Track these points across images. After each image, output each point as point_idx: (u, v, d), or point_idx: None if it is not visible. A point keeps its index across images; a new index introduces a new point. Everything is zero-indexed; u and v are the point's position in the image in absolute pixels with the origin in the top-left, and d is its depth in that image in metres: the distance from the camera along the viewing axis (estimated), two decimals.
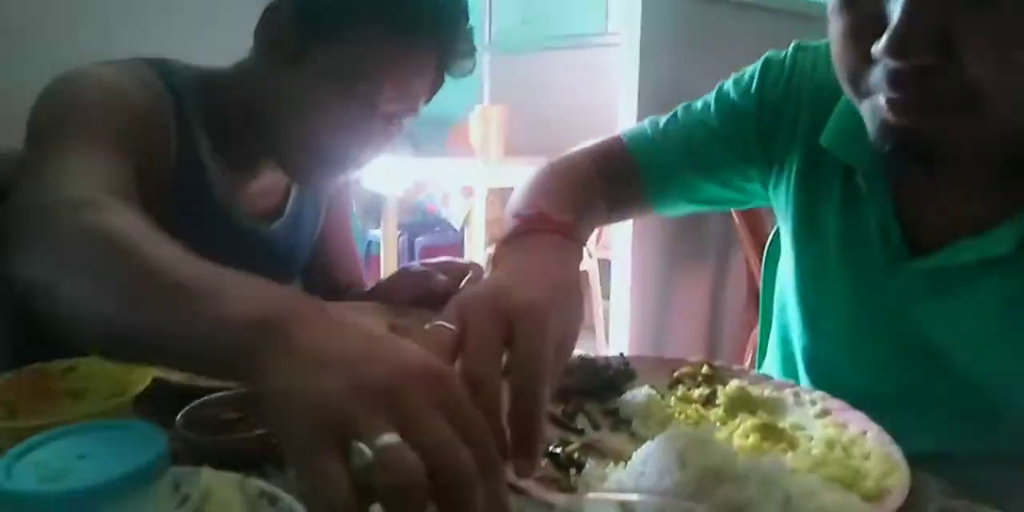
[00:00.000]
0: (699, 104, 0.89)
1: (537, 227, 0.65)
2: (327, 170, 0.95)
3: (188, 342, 0.44)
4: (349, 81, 0.88)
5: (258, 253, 1.01)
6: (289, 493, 0.52)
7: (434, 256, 1.13)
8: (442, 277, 1.00)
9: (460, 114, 3.56)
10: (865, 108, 0.62)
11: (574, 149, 0.93)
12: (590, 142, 0.95)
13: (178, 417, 0.63)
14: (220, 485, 0.51)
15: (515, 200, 0.80)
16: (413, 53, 0.90)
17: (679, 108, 0.90)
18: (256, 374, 0.40)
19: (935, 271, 0.69)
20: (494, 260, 0.65)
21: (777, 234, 1.05)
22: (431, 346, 0.46)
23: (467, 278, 1.01)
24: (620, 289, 2.28)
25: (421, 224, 3.61)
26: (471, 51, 0.96)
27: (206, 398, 0.67)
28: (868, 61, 0.58)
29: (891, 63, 0.55)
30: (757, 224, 1.81)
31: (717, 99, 0.87)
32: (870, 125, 0.61)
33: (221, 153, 0.95)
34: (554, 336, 0.48)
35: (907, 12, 0.53)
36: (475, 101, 3.80)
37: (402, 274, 1.04)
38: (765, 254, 1.07)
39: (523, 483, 0.54)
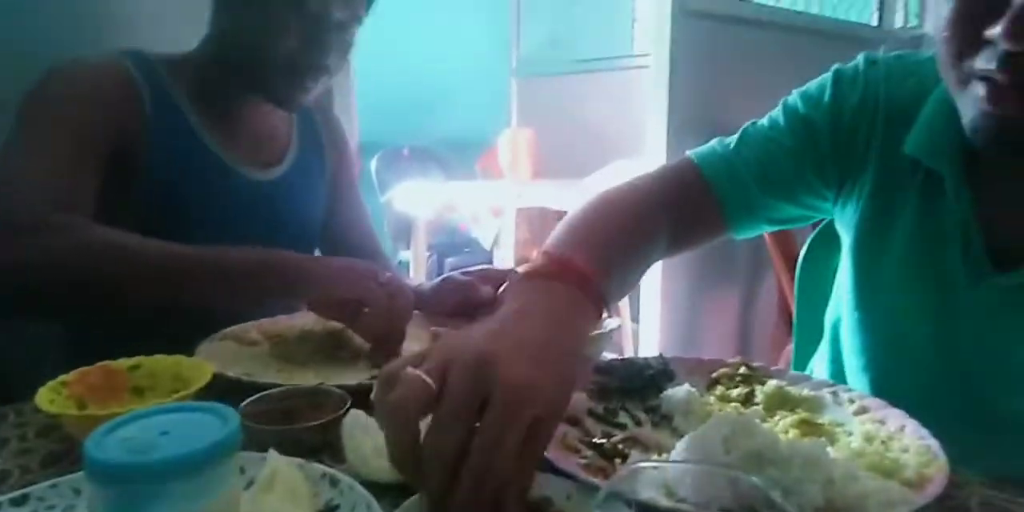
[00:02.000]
0: (765, 122, 0.87)
1: (559, 273, 0.61)
2: (301, 84, 1.04)
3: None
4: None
5: (261, 201, 1.10)
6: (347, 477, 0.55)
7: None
8: (487, 289, 1.02)
9: (489, 138, 3.62)
10: (964, 99, 0.62)
11: (638, 176, 0.89)
12: (655, 168, 0.91)
13: (239, 409, 0.67)
14: (284, 467, 0.54)
15: (556, 230, 0.77)
16: None
17: (746, 126, 0.88)
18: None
19: (1019, 287, 0.68)
20: (505, 293, 0.64)
21: (810, 251, 1.06)
22: (407, 394, 0.46)
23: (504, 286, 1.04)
24: (649, 312, 2.29)
25: (450, 244, 3.65)
26: None
27: (264, 393, 0.71)
28: (977, 45, 0.59)
29: (1006, 46, 0.55)
30: (787, 242, 1.82)
31: (786, 114, 0.84)
32: (967, 116, 0.62)
33: (206, 108, 1.06)
34: (529, 418, 0.45)
35: None
36: (503, 125, 3.87)
37: (446, 282, 1.07)
38: (799, 269, 1.07)
39: (570, 469, 0.56)
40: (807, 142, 0.82)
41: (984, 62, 0.59)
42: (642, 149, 2.63)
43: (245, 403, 0.68)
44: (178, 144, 1.03)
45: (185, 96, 1.05)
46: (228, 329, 0.95)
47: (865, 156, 0.80)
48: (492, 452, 0.44)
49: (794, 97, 0.85)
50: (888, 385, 0.79)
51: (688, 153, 0.90)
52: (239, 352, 0.90)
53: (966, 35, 0.60)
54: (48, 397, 0.66)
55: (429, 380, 0.46)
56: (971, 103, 0.61)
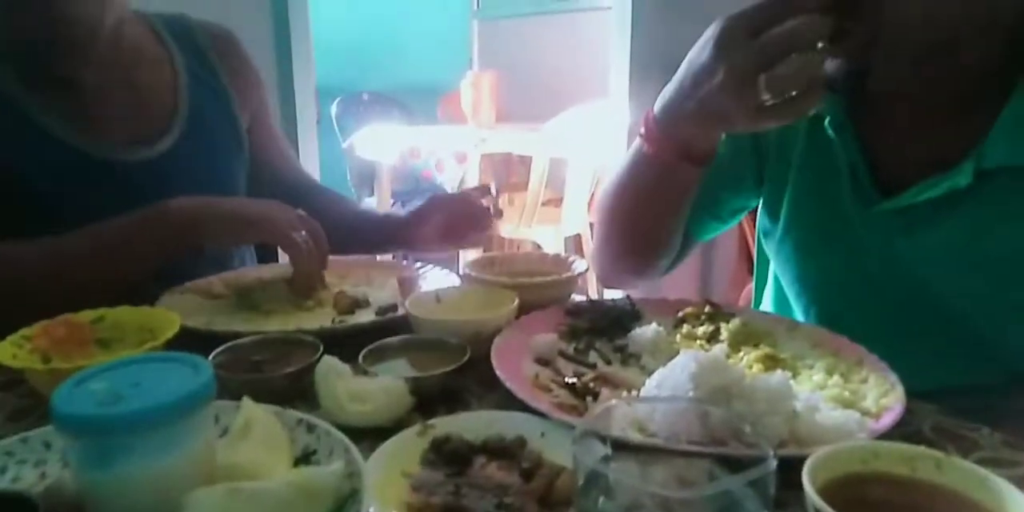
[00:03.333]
0: None
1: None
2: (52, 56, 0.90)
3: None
4: None
5: (147, 184, 0.94)
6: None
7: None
8: (481, 199, 1.01)
9: (450, 82, 3.54)
10: None
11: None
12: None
13: (209, 358, 0.66)
14: (259, 414, 0.54)
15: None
16: None
17: None
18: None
19: (905, 210, 0.73)
20: None
21: None
22: None
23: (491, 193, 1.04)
24: None
25: (414, 191, 3.61)
26: None
27: (234, 342, 0.70)
28: None
29: None
30: None
31: None
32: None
33: (36, 92, 0.90)
34: None
35: None
36: (464, 68, 3.78)
37: (435, 198, 1.04)
38: (759, 211, 1.09)
39: (543, 408, 0.57)
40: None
41: None
42: (606, 92, 2.60)
43: (215, 353, 0.67)
44: (12, 135, 0.89)
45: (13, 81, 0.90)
46: (189, 283, 0.93)
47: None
48: None
49: None
50: (828, 316, 0.83)
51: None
52: (202, 304, 0.89)
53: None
54: (10, 352, 0.65)
55: None
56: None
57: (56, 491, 0.45)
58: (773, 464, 0.37)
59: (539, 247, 2.85)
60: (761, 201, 0.91)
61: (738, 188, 0.90)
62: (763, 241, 0.93)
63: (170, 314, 0.73)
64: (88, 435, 0.45)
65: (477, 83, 3.11)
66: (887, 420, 0.55)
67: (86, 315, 0.72)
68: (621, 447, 0.43)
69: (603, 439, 0.42)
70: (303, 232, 0.86)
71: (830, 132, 0.76)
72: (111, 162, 0.93)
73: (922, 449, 0.46)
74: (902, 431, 0.57)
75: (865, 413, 0.56)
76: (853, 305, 0.81)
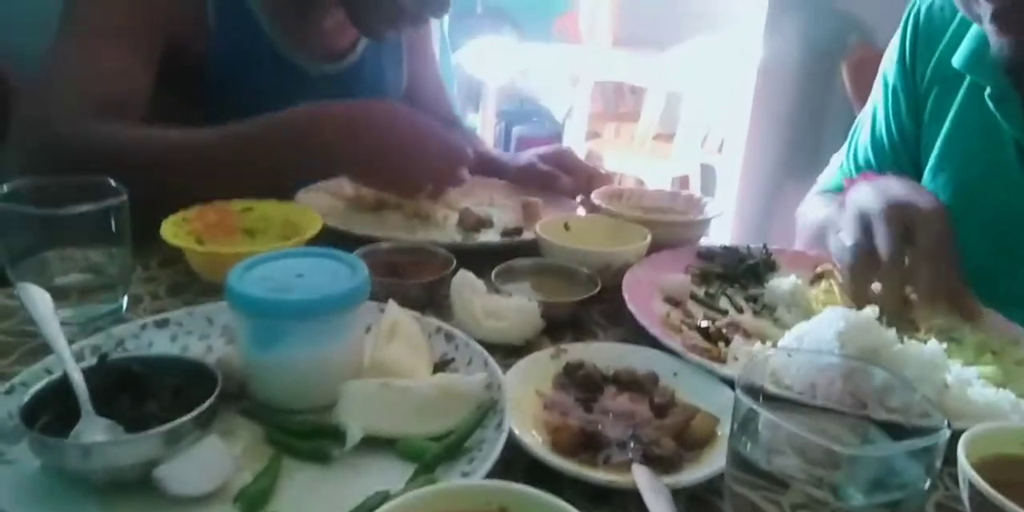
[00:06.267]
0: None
1: None
2: (396, 26, 0.98)
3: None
4: None
5: (333, 95, 0.95)
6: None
7: (532, 147, 1.12)
8: (567, 179, 0.98)
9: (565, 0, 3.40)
10: (984, 31, 0.69)
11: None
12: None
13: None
14: (403, 318, 0.56)
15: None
16: None
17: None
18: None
19: None
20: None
21: None
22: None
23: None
24: (726, 195, 2.23)
25: (519, 112, 3.56)
26: None
27: (372, 245, 0.72)
28: None
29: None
30: None
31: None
32: (992, 44, 0.69)
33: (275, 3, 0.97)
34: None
35: None
36: None
37: (528, 169, 1.03)
38: None
39: (678, 348, 0.57)
40: (893, 103, 0.91)
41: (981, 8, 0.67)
42: (728, 19, 2.44)
43: (357, 253, 0.69)
44: (242, 39, 0.96)
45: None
46: (321, 182, 0.96)
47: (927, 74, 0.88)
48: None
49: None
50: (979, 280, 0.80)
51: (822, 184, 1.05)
52: (334, 205, 0.91)
53: None
54: (171, 231, 0.69)
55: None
56: (988, 35, 0.70)
57: (226, 365, 0.49)
58: (946, 435, 0.36)
59: (642, 183, 2.79)
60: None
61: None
62: None
63: (312, 212, 0.76)
64: (260, 317, 0.48)
65: (596, 1, 2.98)
66: None
67: (236, 204, 0.76)
68: (772, 399, 0.43)
69: (756, 391, 0.42)
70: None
71: (990, 104, 0.75)
72: (311, 73, 1.03)
73: None
74: None
75: (1020, 395, 0.54)
76: (1008, 269, 0.78)
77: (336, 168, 0.86)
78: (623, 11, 2.98)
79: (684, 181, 2.75)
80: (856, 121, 1.00)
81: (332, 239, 0.71)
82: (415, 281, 0.67)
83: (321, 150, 0.80)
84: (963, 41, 0.79)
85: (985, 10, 0.66)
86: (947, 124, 0.83)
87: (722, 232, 2.23)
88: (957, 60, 0.80)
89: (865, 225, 0.64)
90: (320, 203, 0.89)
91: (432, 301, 0.67)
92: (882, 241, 0.62)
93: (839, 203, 0.77)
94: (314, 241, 0.71)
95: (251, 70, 0.97)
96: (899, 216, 0.63)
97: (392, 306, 0.57)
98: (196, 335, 0.56)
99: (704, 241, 0.84)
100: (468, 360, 0.55)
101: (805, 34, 2.12)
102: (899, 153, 0.91)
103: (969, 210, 0.77)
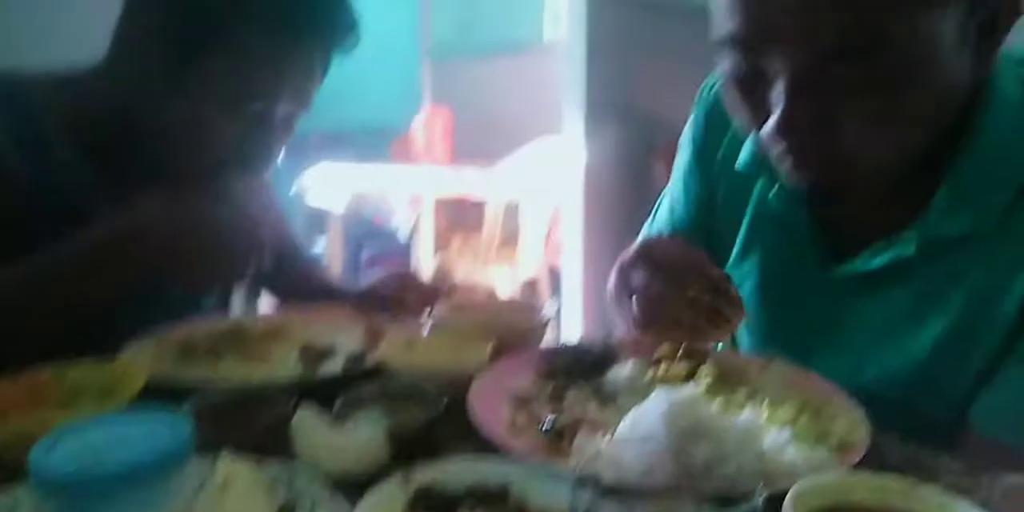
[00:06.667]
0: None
1: None
2: (235, 181, 0.87)
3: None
4: (244, 99, 0.84)
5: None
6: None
7: (380, 266, 1.14)
8: (410, 297, 0.99)
9: (401, 124, 3.56)
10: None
11: None
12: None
13: (183, 408, 0.65)
14: (238, 469, 0.53)
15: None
16: (305, 53, 0.86)
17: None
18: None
19: (854, 277, 0.75)
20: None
21: None
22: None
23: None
24: (571, 294, 2.32)
25: (366, 234, 3.58)
26: (353, 24, 0.89)
27: (209, 391, 0.69)
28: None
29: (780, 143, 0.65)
30: None
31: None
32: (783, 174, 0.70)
33: (98, 167, 0.88)
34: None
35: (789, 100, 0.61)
36: (414, 110, 3.82)
37: (367, 296, 1.04)
38: None
39: (520, 454, 0.57)
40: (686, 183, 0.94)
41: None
42: (559, 131, 2.65)
43: (190, 401, 0.66)
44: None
45: (74, 151, 0.87)
46: (150, 333, 0.91)
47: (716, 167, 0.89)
48: None
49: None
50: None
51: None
52: (165, 353, 0.87)
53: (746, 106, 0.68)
54: None
55: None
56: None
57: None
58: (760, 498, 0.39)
59: (492, 292, 2.85)
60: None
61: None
62: None
63: (136, 366, 0.72)
64: (66, 493, 0.44)
65: (431, 121, 3.15)
66: (853, 457, 0.57)
67: (46, 372, 0.70)
68: (610, 491, 0.44)
69: (593, 483, 0.43)
70: None
71: (775, 205, 0.79)
72: None
73: (891, 478, 0.48)
74: (868, 464, 0.59)
75: (835, 448, 0.59)
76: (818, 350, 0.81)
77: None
78: (456, 129, 3.16)
79: (533, 284, 2.86)
80: (660, 196, 1.01)
81: (163, 390, 0.68)
82: (253, 425, 0.64)
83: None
84: (745, 143, 0.80)
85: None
86: (748, 212, 0.85)
87: (574, 327, 2.31)
88: (741, 163, 0.81)
89: (625, 279, 0.75)
90: (148, 352, 0.84)
91: (276, 443, 0.64)
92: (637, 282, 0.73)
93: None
94: (143, 395, 0.66)
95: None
96: (643, 256, 0.76)
97: (224, 458, 0.54)
98: None
99: (551, 340, 0.86)
100: (311, 502, 0.52)
101: (618, 136, 2.32)
102: (693, 229, 0.93)
103: (775, 297, 0.83)
